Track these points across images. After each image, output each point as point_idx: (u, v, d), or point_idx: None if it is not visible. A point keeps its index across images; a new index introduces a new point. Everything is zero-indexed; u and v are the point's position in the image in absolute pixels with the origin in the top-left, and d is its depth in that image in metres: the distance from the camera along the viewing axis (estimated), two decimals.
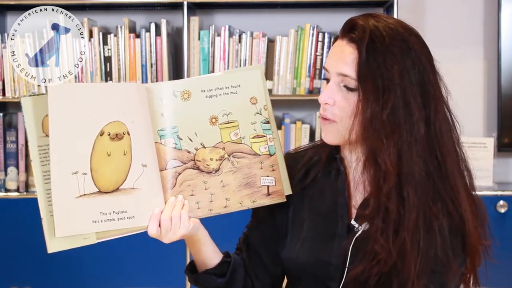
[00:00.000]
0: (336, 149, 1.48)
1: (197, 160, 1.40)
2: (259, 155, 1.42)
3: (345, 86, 1.36)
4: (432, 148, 1.35)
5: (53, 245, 1.31)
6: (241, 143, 1.42)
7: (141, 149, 1.36)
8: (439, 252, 1.34)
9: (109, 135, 1.35)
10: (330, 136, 1.42)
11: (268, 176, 1.42)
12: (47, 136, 1.32)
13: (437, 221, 1.34)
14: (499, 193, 3.17)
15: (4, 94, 3.28)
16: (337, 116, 1.38)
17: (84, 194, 1.32)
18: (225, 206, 1.41)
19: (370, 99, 1.32)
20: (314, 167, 1.49)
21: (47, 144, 1.32)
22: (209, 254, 1.45)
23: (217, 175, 1.40)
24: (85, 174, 1.32)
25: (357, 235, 1.39)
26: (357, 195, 1.43)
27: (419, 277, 1.32)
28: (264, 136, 1.43)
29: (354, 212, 1.43)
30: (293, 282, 1.48)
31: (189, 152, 1.39)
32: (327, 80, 1.41)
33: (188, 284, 3.15)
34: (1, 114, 3.31)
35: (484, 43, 3.42)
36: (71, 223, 1.31)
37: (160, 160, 1.37)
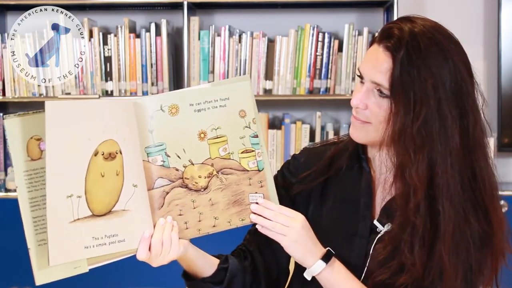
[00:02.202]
0: (362, 148, 1.47)
1: (185, 178, 1.35)
2: (248, 171, 1.38)
3: (378, 91, 1.34)
4: (468, 159, 1.33)
5: (42, 277, 1.23)
6: (230, 158, 1.37)
7: (132, 169, 1.30)
8: (474, 262, 1.34)
9: (102, 154, 1.27)
10: (359, 134, 1.40)
11: (256, 192, 1.38)
12: (33, 160, 1.24)
13: (470, 231, 1.33)
14: (499, 193, 3.16)
15: (4, 94, 3.28)
16: (370, 119, 1.37)
17: (78, 219, 1.25)
18: (214, 226, 1.37)
19: (401, 112, 1.31)
20: (338, 161, 1.48)
21: (33, 169, 1.24)
22: (201, 269, 1.42)
23: (205, 193, 1.36)
24: (79, 197, 1.25)
25: (379, 235, 1.39)
26: (381, 196, 1.43)
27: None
28: (253, 150, 1.38)
29: (376, 212, 1.43)
30: (303, 279, 1.47)
31: (177, 169, 1.34)
32: (361, 79, 1.38)
33: None
34: (1, 114, 3.30)
35: (484, 43, 3.42)
36: (64, 250, 1.23)
37: (148, 179, 1.32)
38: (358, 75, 1.40)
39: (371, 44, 1.39)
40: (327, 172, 1.49)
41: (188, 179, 1.35)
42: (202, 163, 1.36)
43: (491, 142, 3.26)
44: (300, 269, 1.44)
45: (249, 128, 1.38)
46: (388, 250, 1.35)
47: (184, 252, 1.35)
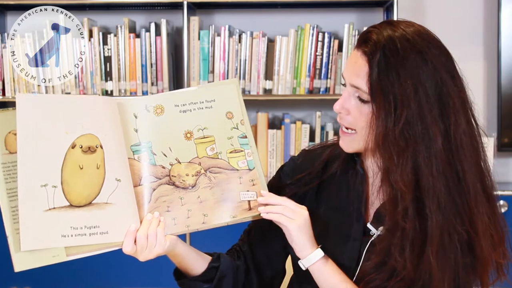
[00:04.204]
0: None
1: (172, 175, 1.37)
2: (238, 170, 1.40)
3: (358, 97, 1.35)
4: (452, 162, 1.31)
5: (20, 263, 1.26)
6: (218, 158, 1.39)
7: (115, 163, 1.33)
8: (461, 268, 1.33)
9: (81, 147, 1.31)
10: (347, 146, 1.41)
11: (248, 191, 1.40)
12: (11, 153, 1.29)
13: (458, 235, 1.31)
14: (499, 193, 3.16)
15: (4, 94, 3.28)
16: (353, 124, 1.37)
17: (54, 208, 1.28)
18: (203, 222, 1.38)
19: (382, 116, 1.30)
20: (333, 164, 1.49)
21: (11, 162, 1.28)
22: (191, 265, 1.43)
23: (193, 191, 1.38)
24: (55, 187, 1.29)
25: (372, 238, 1.39)
26: (375, 199, 1.43)
27: None
28: (242, 150, 1.41)
29: (370, 214, 1.42)
30: (301, 279, 1.48)
31: (163, 167, 1.37)
32: (345, 86, 1.39)
33: None
34: None
35: (484, 43, 3.42)
36: (38, 236, 1.26)
37: (134, 176, 1.35)
38: (342, 84, 1.40)
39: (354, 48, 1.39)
40: (322, 175, 1.49)
41: (175, 177, 1.38)
42: (189, 162, 1.38)
43: (491, 142, 3.26)
44: (297, 268, 1.44)
45: (237, 129, 1.41)
46: (379, 254, 1.35)
47: (171, 248, 1.37)
